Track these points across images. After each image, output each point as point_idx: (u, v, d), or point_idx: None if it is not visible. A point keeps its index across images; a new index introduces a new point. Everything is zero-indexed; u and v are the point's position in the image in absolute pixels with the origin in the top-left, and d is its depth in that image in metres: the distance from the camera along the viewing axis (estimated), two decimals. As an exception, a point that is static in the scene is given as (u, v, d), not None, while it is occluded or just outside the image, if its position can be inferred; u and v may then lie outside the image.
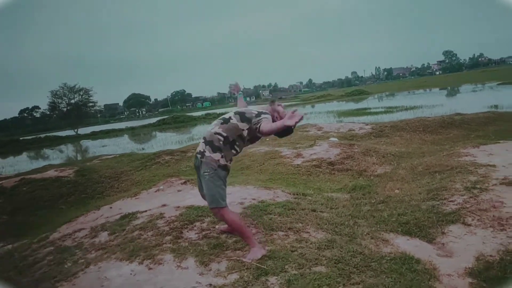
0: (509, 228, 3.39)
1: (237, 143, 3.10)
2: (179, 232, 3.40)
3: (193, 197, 5.08)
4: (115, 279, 2.55)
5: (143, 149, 18.71)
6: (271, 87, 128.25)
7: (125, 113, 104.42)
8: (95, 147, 26.62)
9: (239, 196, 4.92)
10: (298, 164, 7.27)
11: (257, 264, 2.65)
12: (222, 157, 3.00)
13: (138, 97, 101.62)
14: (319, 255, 3.05)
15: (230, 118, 3.12)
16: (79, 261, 2.98)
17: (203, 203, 4.52)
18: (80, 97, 44.57)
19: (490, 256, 3.00)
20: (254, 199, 4.78)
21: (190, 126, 36.50)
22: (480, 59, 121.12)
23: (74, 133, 41.80)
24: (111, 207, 5.15)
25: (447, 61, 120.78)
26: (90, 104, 46.71)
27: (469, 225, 3.61)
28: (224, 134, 3.03)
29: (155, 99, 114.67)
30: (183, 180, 5.75)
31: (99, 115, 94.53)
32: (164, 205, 4.43)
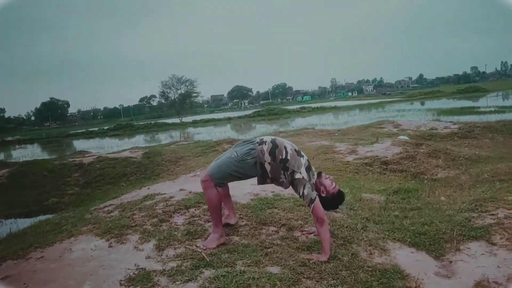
0: (542, 254, 2.72)
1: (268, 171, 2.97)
2: (169, 216, 3.49)
3: (220, 184, 5.17)
4: (76, 251, 2.74)
5: (229, 137, 19.56)
6: (376, 82, 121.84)
7: (229, 104, 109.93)
8: (191, 134, 28.75)
9: (261, 188, 4.83)
10: (348, 161, 6.83)
11: (203, 254, 2.59)
12: (268, 161, 2.93)
13: (241, 89, 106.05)
14: (291, 255, 2.84)
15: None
16: (71, 232, 3.28)
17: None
18: (186, 87, 48.41)
19: (495, 283, 2.45)
20: (272, 191, 4.66)
21: (283, 119, 36.89)
22: None
23: (179, 121, 45.54)
24: (149, 188, 5.50)
25: None
26: (194, 94, 50.35)
27: (494, 244, 2.99)
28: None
29: (257, 92, 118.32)
30: (220, 168, 5.86)
31: (205, 106, 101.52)
32: (181, 190, 4.57)
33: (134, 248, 2.79)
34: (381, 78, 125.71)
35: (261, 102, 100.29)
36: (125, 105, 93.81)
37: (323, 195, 3.01)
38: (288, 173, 2.93)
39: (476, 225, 3.36)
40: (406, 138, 8.52)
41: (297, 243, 3.14)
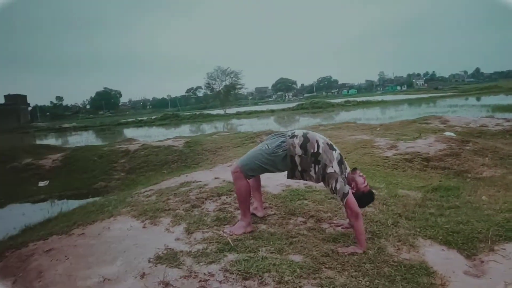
0: None
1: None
2: (201, 202, 3.65)
3: (255, 174, 5.28)
4: (113, 230, 2.97)
5: (270, 129, 19.67)
6: (428, 75, 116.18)
7: (273, 96, 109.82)
8: (234, 125, 29.19)
9: (293, 180, 4.88)
10: (387, 156, 6.66)
11: (228, 239, 2.70)
12: (299, 154, 2.96)
13: (286, 82, 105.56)
14: (315, 245, 2.88)
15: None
16: (112, 213, 3.53)
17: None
18: (230, 79, 49.03)
19: (527, 286, 2.34)
20: (305, 183, 4.69)
21: (326, 112, 36.38)
22: None
23: (223, 112, 46.32)
24: (187, 176, 5.72)
25: None
26: (238, 86, 50.89)
27: (533, 247, 2.84)
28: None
29: (302, 84, 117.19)
30: (255, 159, 5.96)
31: (250, 98, 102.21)
32: (216, 178, 4.73)
33: (166, 230, 2.96)
34: (433, 71, 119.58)
35: (306, 95, 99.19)
36: (172, 96, 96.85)
37: (353, 191, 3.00)
38: (320, 166, 2.94)
39: (515, 227, 3.21)
40: (452, 134, 8.14)
41: (323, 234, 3.17)
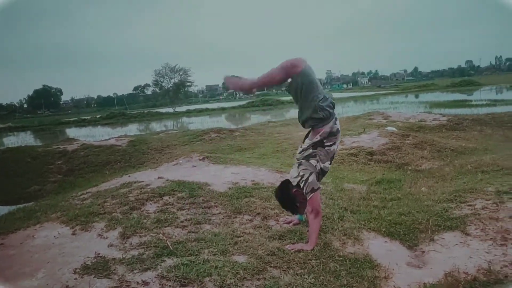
0: (512, 244, 2.67)
1: None
2: (141, 204, 3.42)
3: (201, 173, 5.10)
4: (38, 239, 2.67)
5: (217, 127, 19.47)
6: (371, 74, 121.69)
7: (224, 94, 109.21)
8: (184, 123, 28.61)
9: (241, 176, 4.78)
10: (333, 151, 6.76)
11: (167, 243, 2.51)
12: None
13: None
14: (261, 244, 2.78)
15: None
16: (39, 219, 3.18)
17: (202, 179, 4.55)
18: (179, 76, 47.88)
19: (465, 273, 2.39)
20: (252, 180, 4.60)
21: (277, 109, 36.77)
22: None
23: (172, 111, 45.19)
24: (129, 176, 5.40)
25: None
26: (188, 83, 49.86)
27: (468, 234, 2.94)
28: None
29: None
30: (202, 157, 5.78)
31: (200, 95, 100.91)
32: (159, 178, 4.49)
33: (98, 236, 2.71)
34: (376, 70, 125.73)
35: (257, 92, 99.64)
36: (119, 94, 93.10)
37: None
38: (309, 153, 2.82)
39: (452, 216, 3.31)
40: (394, 129, 8.47)
41: (270, 232, 3.08)
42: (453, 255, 2.70)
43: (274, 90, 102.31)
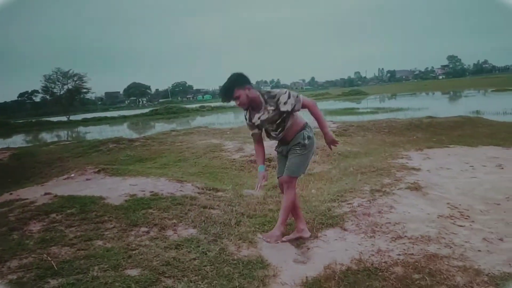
0: (379, 234, 3.12)
1: None
2: (23, 224, 3.14)
3: (96, 187, 4.84)
4: None
5: (115, 136, 18.50)
6: (274, 83, 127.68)
7: (126, 102, 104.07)
8: (81, 133, 26.56)
9: (139, 188, 4.67)
10: (234, 159, 7.00)
11: (52, 263, 2.38)
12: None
13: (139, 86, 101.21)
14: (157, 255, 2.78)
15: (281, 117, 3.10)
16: None
17: (97, 193, 4.32)
18: (74, 82, 44.31)
19: (341, 264, 2.72)
20: (151, 191, 4.53)
21: (182, 117, 36.33)
22: (484, 65, 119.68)
23: (66, 119, 41.59)
24: (11, 194, 4.87)
25: (451, 66, 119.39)
26: (84, 90, 46.46)
27: (346, 230, 3.33)
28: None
29: (156, 89, 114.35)
30: (97, 169, 5.48)
31: (99, 103, 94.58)
32: (46, 194, 4.16)
33: (-31, 263, 2.43)
34: (278, 79, 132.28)
35: (161, 100, 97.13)
36: (1, 101, 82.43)
37: None
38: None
39: (334, 214, 3.71)
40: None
41: (166, 242, 3.09)
42: (333, 249, 3.03)
43: (179, 98, 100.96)
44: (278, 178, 3.46)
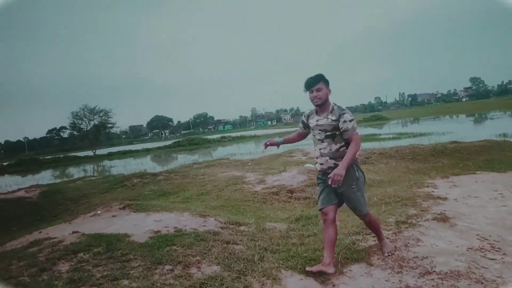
0: (407, 270, 3.03)
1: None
2: (52, 264, 3.23)
3: (121, 223, 4.94)
4: None
5: (145, 170, 18.84)
6: (293, 111, 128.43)
7: (149, 134, 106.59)
8: (106, 167, 27.23)
9: (163, 224, 4.73)
10: (256, 191, 7.01)
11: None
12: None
13: (161, 119, 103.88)
14: (181, 294, 2.79)
15: (333, 131, 3.17)
16: None
17: (122, 230, 4.40)
18: (100, 118, 45.90)
19: (368, 303, 2.65)
20: (175, 227, 4.58)
21: (203, 148, 36.83)
22: (508, 86, 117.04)
23: (92, 154, 42.80)
24: (40, 232, 5.03)
25: (474, 87, 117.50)
26: (110, 125, 47.93)
27: (372, 264, 3.26)
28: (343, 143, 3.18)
29: (178, 121, 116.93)
30: (122, 205, 5.60)
31: (123, 136, 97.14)
32: (74, 232, 4.27)
33: (2, 305, 2.51)
34: (298, 107, 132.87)
35: (183, 132, 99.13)
36: (30, 138, 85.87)
37: None
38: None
39: (359, 248, 3.65)
40: (312, 166, 9.03)
41: (190, 280, 3.10)
42: (359, 285, 2.97)
43: (200, 129, 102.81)
44: (320, 210, 3.40)
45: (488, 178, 6.33)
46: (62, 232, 4.50)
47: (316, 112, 3.32)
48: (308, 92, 3.25)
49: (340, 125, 3.13)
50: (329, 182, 2.94)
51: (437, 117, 44.79)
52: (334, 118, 3.16)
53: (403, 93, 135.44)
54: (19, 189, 9.86)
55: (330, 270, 3.22)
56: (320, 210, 3.37)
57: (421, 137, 19.52)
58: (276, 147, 3.71)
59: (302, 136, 3.61)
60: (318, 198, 3.41)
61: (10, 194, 9.02)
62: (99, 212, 5.62)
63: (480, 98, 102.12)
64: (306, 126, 3.45)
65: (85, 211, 6.28)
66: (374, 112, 78.64)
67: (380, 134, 25.57)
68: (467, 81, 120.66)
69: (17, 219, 7.28)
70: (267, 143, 3.60)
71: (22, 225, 6.89)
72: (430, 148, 11.04)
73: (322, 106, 3.24)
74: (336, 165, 3.12)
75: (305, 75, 3.30)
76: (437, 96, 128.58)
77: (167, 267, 3.37)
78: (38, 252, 3.54)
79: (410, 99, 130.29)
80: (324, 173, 3.29)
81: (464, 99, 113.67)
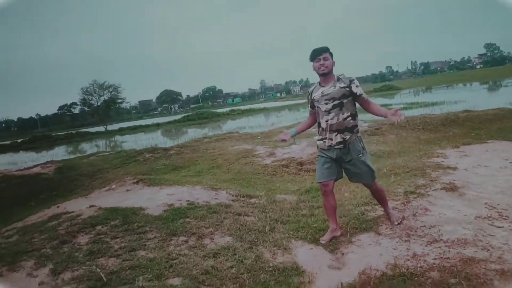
0: (414, 238, 3.10)
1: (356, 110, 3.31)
2: (72, 237, 3.38)
3: (135, 197, 5.09)
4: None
5: (156, 144, 19.05)
6: (303, 82, 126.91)
7: (158, 109, 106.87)
8: (118, 142, 27.59)
9: (176, 197, 4.86)
10: (266, 164, 7.09)
11: (101, 274, 2.57)
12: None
13: (170, 93, 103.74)
14: (196, 264, 2.92)
15: (341, 99, 3.19)
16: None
17: (137, 204, 4.54)
18: (109, 94, 46.13)
19: (376, 269, 2.74)
20: (188, 200, 4.70)
21: (213, 122, 36.88)
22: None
23: (103, 129, 43.28)
24: (58, 207, 5.21)
25: (489, 54, 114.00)
26: (119, 100, 48.19)
27: (380, 234, 3.34)
28: (352, 113, 3.24)
29: (187, 95, 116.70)
30: (136, 180, 5.74)
31: (133, 111, 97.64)
32: (91, 206, 4.42)
33: (28, 275, 2.67)
34: (307, 78, 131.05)
35: (192, 106, 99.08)
36: (42, 115, 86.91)
37: None
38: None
39: (368, 218, 3.72)
40: (321, 138, 9.04)
41: (204, 251, 3.23)
42: (367, 254, 3.05)
43: (209, 102, 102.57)
44: (320, 183, 3.46)
45: (499, 147, 6.29)
46: (79, 206, 4.66)
47: (320, 84, 3.35)
48: (314, 63, 3.26)
49: (354, 89, 3.20)
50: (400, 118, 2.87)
51: (450, 85, 43.84)
52: (343, 85, 3.21)
53: (415, 61, 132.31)
54: (35, 166, 10.12)
55: (338, 233, 3.44)
56: (320, 182, 3.44)
57: (433, 106, 19.20)
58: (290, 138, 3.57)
59: (314, 119, 3.52)
60: (318, 171, 3.45)
61: (26, 170, 9.28)
62: (113, 186, 5.77)
63: (495, 65, 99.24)
64: (313, 103, 3.43)
65: (100, 186, 6.46)
66: (385, 82, 77.24)
67: (391, 104, 25.18)
68: (481, 47, 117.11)
69: (35, 194, 7.52)
70: (282, 137, 3.49)
71: (40, 200, 7.12)
72: (442, 117, 10.91)
73: (327, 75, 3.27)
74: (344, 139, 3.17)
75: (314, 46, 3.32)
76: (451, 64, 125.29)
77: (182, 238, 3.50)
78: (58, 226, 3.69)
79: (422, 67, 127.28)
80: (331, 148, 3.30)
81: (478, 67, 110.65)
